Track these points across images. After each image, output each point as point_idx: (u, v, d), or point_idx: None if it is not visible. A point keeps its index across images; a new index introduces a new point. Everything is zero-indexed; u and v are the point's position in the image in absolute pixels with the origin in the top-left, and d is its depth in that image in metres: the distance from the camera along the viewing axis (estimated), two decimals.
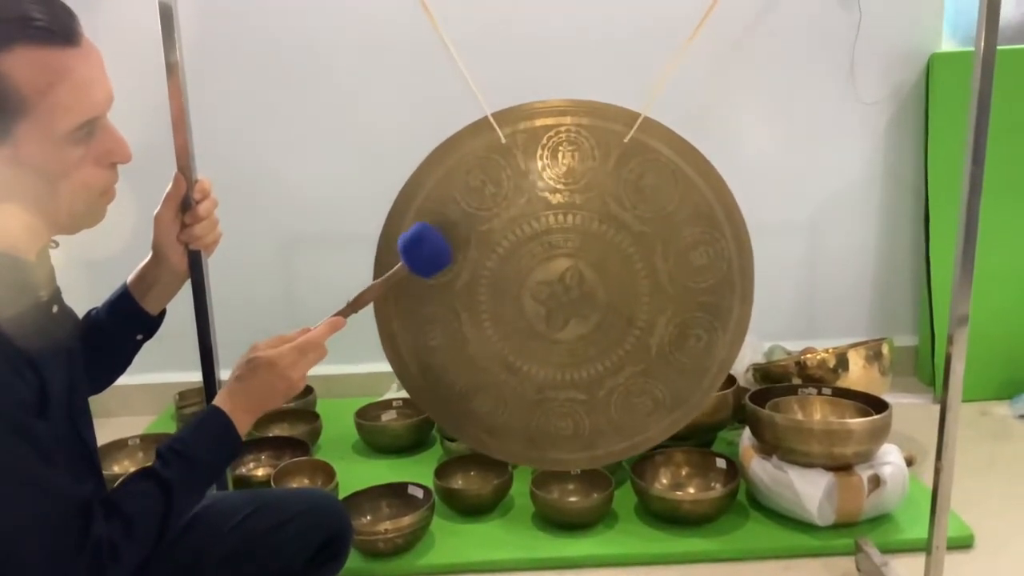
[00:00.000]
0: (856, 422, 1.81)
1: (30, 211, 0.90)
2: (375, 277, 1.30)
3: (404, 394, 2.46)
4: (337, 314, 1.21)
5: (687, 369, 1.31)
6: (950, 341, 1.37)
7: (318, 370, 2.85)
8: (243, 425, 1.10)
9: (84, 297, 1.18)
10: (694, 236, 1.28)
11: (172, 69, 1.18)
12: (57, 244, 1.00)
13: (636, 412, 1.32)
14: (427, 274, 1.26)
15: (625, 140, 1.27)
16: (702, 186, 1.27)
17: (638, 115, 1.26)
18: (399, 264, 1.24)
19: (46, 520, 0.88)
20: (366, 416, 2.32)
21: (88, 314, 1.19)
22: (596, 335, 1.30)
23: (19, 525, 0.86)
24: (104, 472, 1.74)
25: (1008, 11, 2.51)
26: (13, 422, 0.85)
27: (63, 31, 0.87)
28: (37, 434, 0.88)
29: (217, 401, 1.11)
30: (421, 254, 1.24)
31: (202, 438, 1.08)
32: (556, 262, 1.28)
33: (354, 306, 1.24)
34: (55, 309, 1.01)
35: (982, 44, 1.24)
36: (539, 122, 1.28)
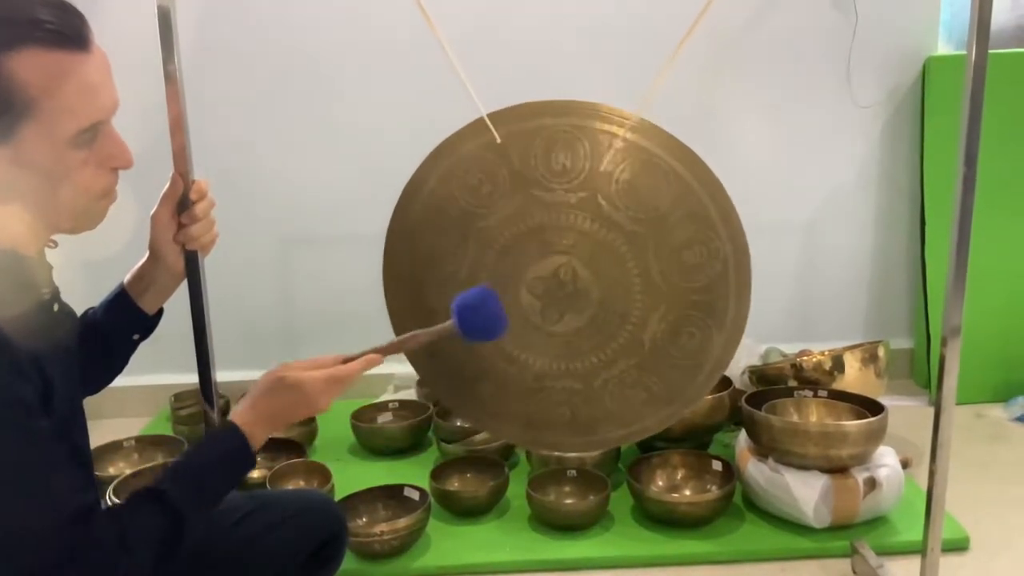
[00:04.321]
0: (852, 424, 1.81)
1: (30, 211, 0.90)
2: (384, 274, 1.32)
3: (400, 396, 2.47)
4: (375, 351, 1.19)
5: (681, 364, 1.33)
6: (944, 345, 1.37)
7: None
8: (259, 439, 1.10)
9: (82, 297, 1.18)
10: (687, 236, 1.29)
11: (170, 72, 1.19)
12: (56, 244, 1.00)
13: (631, 402, 1.35)
14: (472, 339, 1.24)
15: (619, 141, 1.28)
16: (696, 188, 1.28)
17: (632, 116, 1.27)
18: (450, 321, 1.21)
19: (44, 524, 0.87)
20: (362, 418, 2.32)
21: (84, 314, 1.19)
22: (590, 329, 1.32)
23: (17, 527, 0.86)
24: (98, 473, 1.74)
25: (1001, 16, 2.52)
26: (14, 422, 0.84)
27: (74, 35, 0.87)
28: (39, 435, 0.87)
29: (236, 413, 1.11)
30: (475, 320, 1.21)
31: (214, 455, 1.08)
32: (551, 259, 1.30)
33: (394, 348, 1.22)
34: (56, 308, 1.02)
35: (973, 51, 1.25)
36: (534, 122, 1.29)
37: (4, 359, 0.83)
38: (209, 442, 1.12)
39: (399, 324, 1.37)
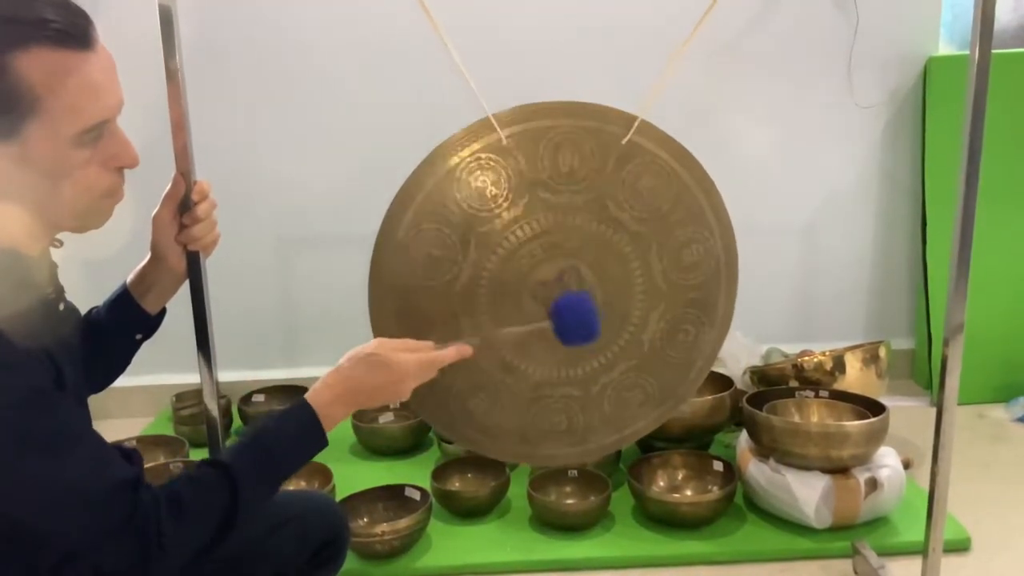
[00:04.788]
0: (853, 425, 1.81)
1: (32, 209, 0.90)
2: (370, 278, 1.30)
3: None
4: (467, 342, 1.19)
5: (675, 363, 1.34)
6: (946, 344, 1.38)
7: (315, 372, 2.84)
8: (334, 418, 1.07)
9: (83, 296, 1.18)
10: (686, 235, 1.31)
11: (172, 72, 1.19)
12: (61, 243, 1.00)
13: (627, 406, 1.35)
14: (568, 343, 1.27)
15: (623, 142, 1.28)
16: (693, 187, 1.30)
17: (636, 117, 1.27)
18: (547, 322, 1.25)
19: (97, 489, 0.88)
20: (363, 418, 2.32)
21: (88, 313, 1.19)
22: None
23: (68, 495, 0.86)
24: None
25: (1003, 16, 2.52)
26: (48, 401, 0.86)
27: (79, 35, 0.88)
28: (74, 412, 0.90)
29: (314, 390, 1.08)
30: (572, 323, 1.25)
31: (284, 431, 1.06)
32: (555, 262, 1.29)
33: (484, 342, 1.23)
34: (62, 307, 1.02)
35: (976, 50, 1.25)
36: (540, 123, 1.28)
37: (20, 351, 0.84)
38: (279, 417, 1.08)
39: (381, 333, 1.33)
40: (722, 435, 2.21)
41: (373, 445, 2.29)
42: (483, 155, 1.28)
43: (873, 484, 1.77)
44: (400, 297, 1.31)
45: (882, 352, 2.16)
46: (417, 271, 1.29)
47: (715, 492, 1.85)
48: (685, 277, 1.31)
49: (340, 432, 2.28)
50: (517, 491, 1.95)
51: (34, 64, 0.84)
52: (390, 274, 1.30)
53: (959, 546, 1.76)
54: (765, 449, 1.86)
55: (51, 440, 0.86)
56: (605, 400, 1.34)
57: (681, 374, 1.35)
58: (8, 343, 0.83)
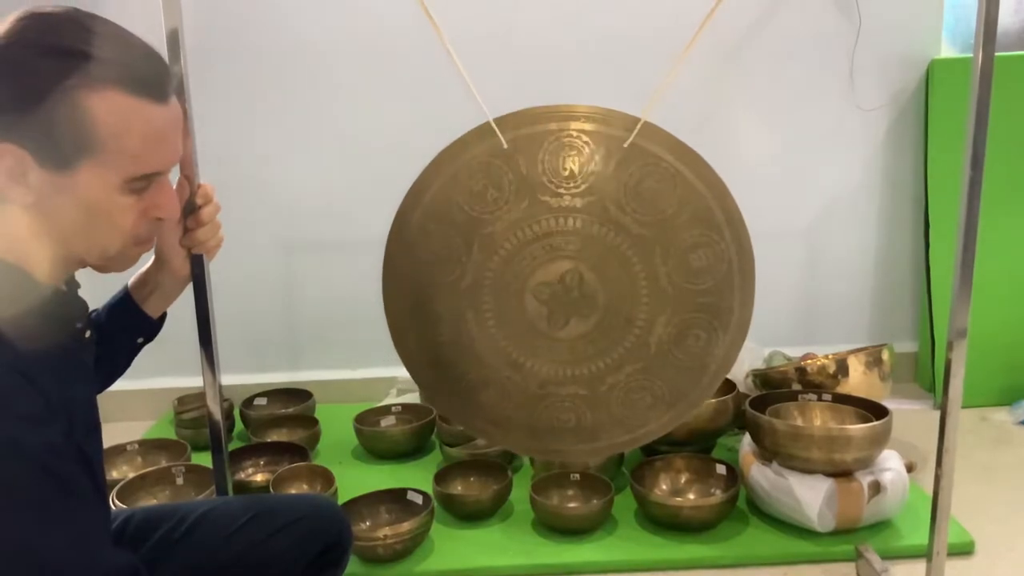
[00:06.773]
0: (856, 428, 1.80)
1: (64, 242, 0.90)
2: (384, 280, 1.33)
3: (403, 399, 2.47)
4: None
5: (686, 367, 1.34)
6: (950, 348, 1.37)
7: (317, 375, 2.85)
8: None
9: (83, 297, 1.18)
10: (693, 239, 1.30)
11: (176, 74, 1.19)
12: (85, 264, 1.00)
13: (636, 407, 1.35)
14: None
15: (625, 145, 1.28)
16: (702, 190, 1.29)
17: (638, 120, 1.27)
18: None
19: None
20: (365, 421, 2.32)
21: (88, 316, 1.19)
22: (596, 334, 1.32)
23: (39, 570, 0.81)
24: None
25: (1006, 18, 2.52)
26: (46, 465, 0.81)
27: (155, 87, 0.89)
28: (71, 478, 0.85)
29: None
30: None
31: None
32: (557, 264, 1.30)
33: None
34: (88, 334, 1.02)
35: (980, 53, 1.25)
36: (540, 127, 1.29)
37: (40, 401, 0.82)
38: None
39: (398, 331, 1.36)
40: (725, 438, 2.21)
41: (375, 448, 2.29)
42: (485, 159, 1.29)
43: (876, 487, 1.77)
44: (411, 294, 1.34)
45: (885, 355, 2.15)
46: (425, 270, 1.32)
47: (718, 496, 1.85)
48: (693, 281, 1.31)
49: (342, 436, 2.33)
50: (519, 495, 1.94)
51: (105, 105, 0.85)
52: (400, 273, 1.34)
53: (963, 549, 1.75)
54: (768, 452, 1.86)
55: (45, 507, 0.81)
56: (613, 400, 1.35)
57: (693, 379, 1.35)
58: (30, 392, 0.81)
